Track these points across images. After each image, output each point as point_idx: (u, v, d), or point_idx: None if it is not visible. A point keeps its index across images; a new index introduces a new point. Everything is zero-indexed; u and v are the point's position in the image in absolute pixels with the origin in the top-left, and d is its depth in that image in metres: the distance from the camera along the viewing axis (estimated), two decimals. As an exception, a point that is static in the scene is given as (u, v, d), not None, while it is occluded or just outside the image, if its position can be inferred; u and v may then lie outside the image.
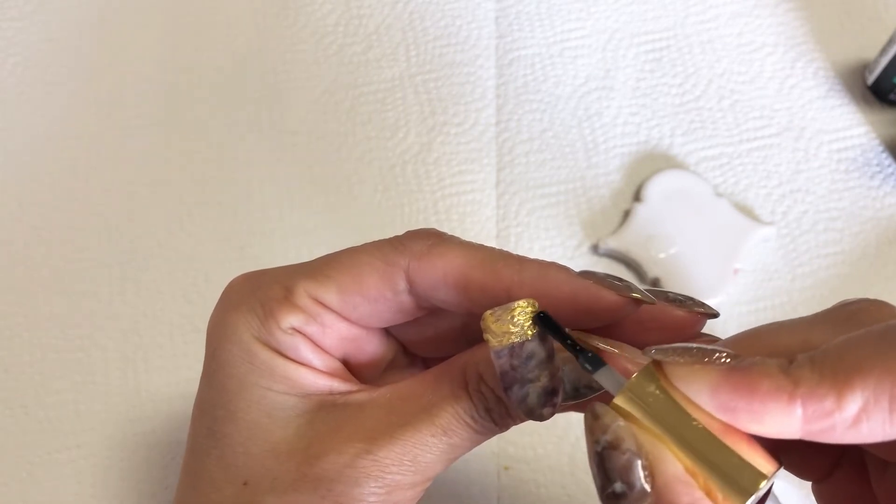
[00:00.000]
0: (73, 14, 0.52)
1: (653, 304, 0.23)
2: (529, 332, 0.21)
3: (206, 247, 0.45)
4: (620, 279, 0.23)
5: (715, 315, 0.23)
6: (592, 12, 0.50)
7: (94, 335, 0.43)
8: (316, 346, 0.24)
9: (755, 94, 0.47)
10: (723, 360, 0.19)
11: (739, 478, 0.18)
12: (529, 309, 0.21)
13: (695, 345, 0.20)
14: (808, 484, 0.24)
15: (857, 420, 0.17)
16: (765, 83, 0.48)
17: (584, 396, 0.22)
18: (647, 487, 0.19)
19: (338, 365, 0.25)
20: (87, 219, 0.46)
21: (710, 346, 0.19)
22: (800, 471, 0.24)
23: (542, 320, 0.21)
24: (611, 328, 0.23)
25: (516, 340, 0.21)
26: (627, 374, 0.20)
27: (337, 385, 0.24)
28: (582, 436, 0.39)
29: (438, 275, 0.23)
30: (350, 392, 0.24)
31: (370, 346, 0.26)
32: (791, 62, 0.48)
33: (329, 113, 0.48)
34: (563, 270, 0.23)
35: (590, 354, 0.21)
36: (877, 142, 0.46)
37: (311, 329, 0.24)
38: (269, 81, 0.49)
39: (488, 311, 0.21)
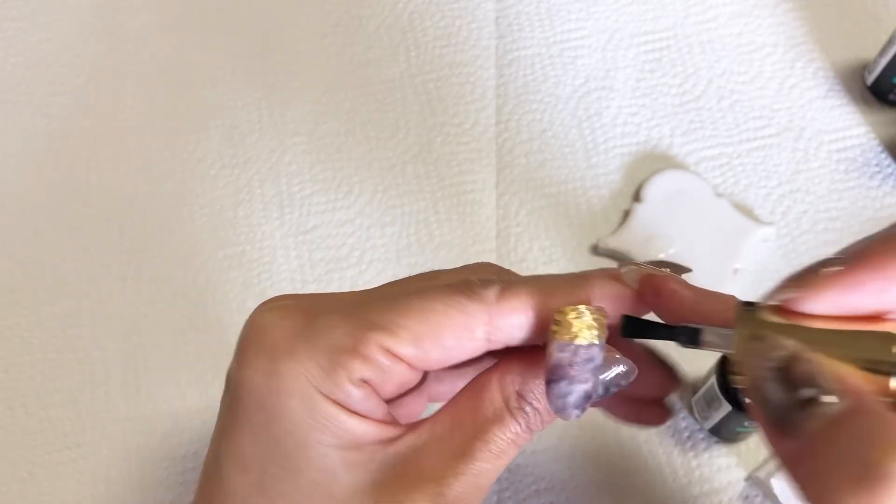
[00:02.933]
0: (73, 14, 0.52)
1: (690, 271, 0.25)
2: (597, 339, 0.22)
3: (206, 247, 0.45)
4: (663, 263, 0.26)
5: (688, 269, 0.26)
6: (592, 12, 0.50)
7: (94, 335, 0.43)
8: (378, 396, 0.24)
9: (755, 94, 0.47)
10: (837, 265, 0.21)
11: (881, 347, 0.20)
12: (603, 318, 0.23)
13: (792, 273, 0.21)
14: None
15: None
16: (765, 83, 0.48)
17: (610, 394, 0.24)
18: (835, 389, 0.19)
19: (386, 410, 0.25)
20: (87, 219, 0.46)
21: (805, 267, 0.21)
22: None
23: (630, 323, 0.23)
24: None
25: (584, 343, 0.22)
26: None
27: (389, 432, 0.24)
28: (580, 435, 0.39)
29: (520, 314, 0.24)
30: (398, 437, 0.24)
31: (412, 384, 0.26)
32: (791, 62, 0.48)
33: (329, 113, 0.48)
34: (613, 273, 0.25)
35: (685, 328, 0.23)
36: (876, 142, 0.46)
37: (380, 380, 0.24)
38: (269, 82, 0.49)
39: (569, 307, 0.22)
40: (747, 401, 0.21)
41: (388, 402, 0.25)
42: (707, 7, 0.50)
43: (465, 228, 0.45)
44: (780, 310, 0.21)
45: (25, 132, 0.48)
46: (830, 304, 0.21)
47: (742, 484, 0.38)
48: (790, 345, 0.20)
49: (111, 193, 0.46)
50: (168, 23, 0.51)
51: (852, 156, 0.45)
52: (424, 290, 0.24)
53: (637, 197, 0.44)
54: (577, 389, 0.22)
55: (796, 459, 0.20)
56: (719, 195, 0.44)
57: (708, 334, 0.23)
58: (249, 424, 0.24)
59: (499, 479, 0.39)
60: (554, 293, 0.24)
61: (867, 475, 0.18)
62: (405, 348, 0.23)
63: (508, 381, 0.24)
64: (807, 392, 0.19)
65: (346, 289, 0.43)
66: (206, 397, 0.41)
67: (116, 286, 0.44)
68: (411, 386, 0.26)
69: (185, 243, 0.45)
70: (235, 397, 0.24)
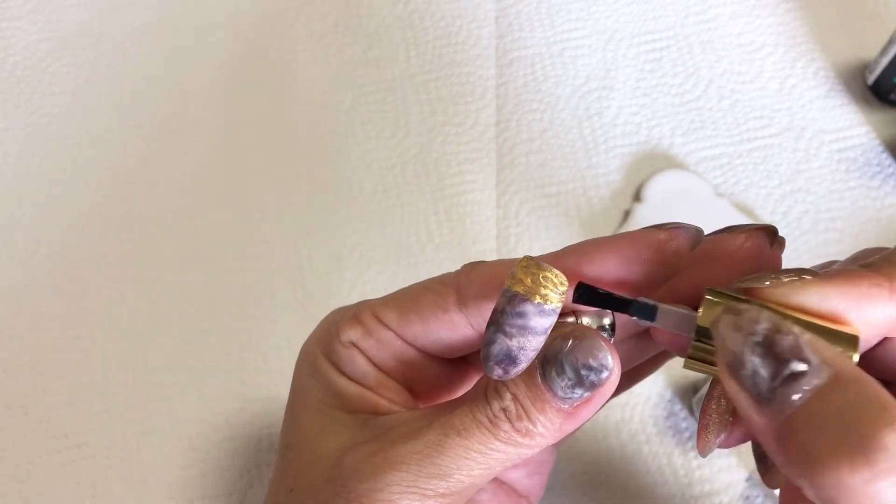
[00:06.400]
0: (73, 14, 0.52)
1: (690, 232, 0.24)
2: (537, 298, 0.21)
3: (205, 247, 0.45)
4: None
5: (774, 231, 0.25)
6: (592, 12, 0.50)
7: (94, 335, 0.43)
8: (370, 361, 0.26)
9: (755, 94, 0.47)
10: (808, 276, 0.21)
11: (840, 341, 0.20)
12: (551, 284, 0.21)
13: (771, 272, 0.22)
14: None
15: None
16: (765, 83, 0.48)
17: (586, 379, 0.22)
18: (819, 360, 0.19)
19: (392, 385, 0.26)
20: (87, 219, 0.46)
21: (784, 269, 0.22)
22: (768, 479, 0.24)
23: (582, 290, 0.22)
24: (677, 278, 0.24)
25: (520, 293, 0.21)
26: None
27: (384, 404, 0.25)
28: (580, 435, 0.39)
29: (484, 280, 0.24)
30: (394, 412, 0.25)
31: (430, 370, 0.26)
32: (791, 62, 0.48)
33: (329, 113, 0.48)
34: (600, 238, 0.24)
35: (640, 302, 0.22)
36: (877, 142, 0.45)
37: (367, 344, 0.25)
38: (269, 81, 0.49)
39: (529, 256, 0.22)
40: (721, 377, 0.20)
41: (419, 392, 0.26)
42: (707, 7, 0.50)
43: (465, 228, 0.45)
44: (748, 293, 0.21)
45: (25, 132, 0.48)
46: (795, 298, 0.21)
47: (743, 484, 0.38)
48: (772, 317, 0.20)
49: (110, 193, 0.46)
50: (167, 23, 0.51)
51: (853, 156, 0.45)
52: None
53: (637, 197, 0.44)
54: (500, 341, 0.21)
55: (782, 435, 0.19)
56: (720, 195, 0.44)
57: (665, 313, 0.22)
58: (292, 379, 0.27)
59: (499, 480, 0.39)
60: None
61: (863, 447, 0.18)
62: (390, 314, 0.25)
63: None
64: (795, 366, 0.19)
65: (345, 289, 0.43)
66: (205, 397, 0.41)
67: (116, 286, 0.44)
68: (438, 377, 0.26)
69: (184, 243, 0.45)
70: None
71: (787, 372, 0.19)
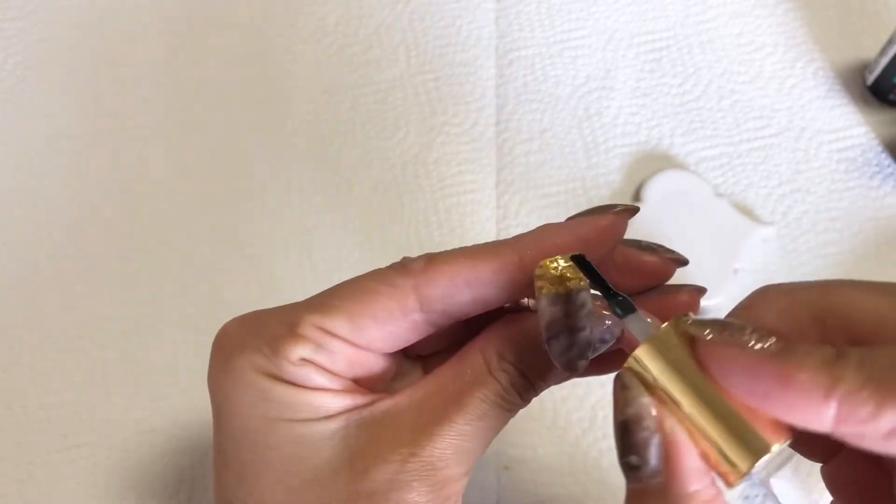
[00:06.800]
0: (73, 14, 0.52)
1: (631, 210, 0.24)
2: (580, 283, 0.22)
3: (206, 247, 0.45)
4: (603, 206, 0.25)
5: (684, 262, 0.24)
6: (592, 12, 0.50)
7: (94, 335, 0.43)
8: (329, 372, 0.24)
9: (755, 94, 0.47)
10: (766, 346, 0.19)
11: (747, 446, 0.19)
12: (573, 267, 0.22)
13: (734, 321, 0.20)
14: (808, 484, 0.24)
15: (890, 435, 0.17)
16: (765, 83, 0.48)
17: (597, 351, 0.23)
18: (660, 468, 0.20)
19: (350, 383, 0.25)
20: (87, 219, 0.46)
21: (749, 325, 0.19)
22: (806, 451, 0.24)
23: (581, 262, 0.22)
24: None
25: (574, 289, 0.22)
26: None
27: (358, 399, 0.24)
28: (583, 436, 0.39)
29: (447, 279, 0.24)
30: (373, 402, 0.24)
31: (377, 364, 0.26)
32: (791, 62, 0.48)
33: (329, 113, 0.48)
34: (553, 224, 0.24)
35: (621, 298, 0.22)
36: (876, 142, 0.46)
37: (320, 358, 0.24)
38: (269, 82, 0.49)
39: (546, 260, 0.22)
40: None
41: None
42: (707, 7, 0.50)
43: (465, 228, 0.45)
44: (691, 343, 0.20)
45: (25, 132, 0.48)
46: (729, 377, 0.19)
47: (743, 484, 0.38)
48: (642, 405, 0.20)
49: (111, 193, 0.46)
50: (168, 23, 0.51)
51: (852, 156, 0.45)
52: (364, 273, 0.25)
53: (637, 197, 0.44)
54: (579, 339, 0.22)
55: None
56: (719, 195, 0.44)
57: (634, 320, 0.22)
58: (221, 421, 0.25)
59: (499, 481, 0.39)
60: (483, 255, 0.24)
61: None
62: (339, 324, 0.24)
63: (489, 344, 0.24)
64: (630, 459, 0.20)
65: (346, 289, 0.43)
66: (205, 397, 0.41)
67: (116, 286, 0.44)
68: (383, 369, 0.26)
69: (184, 243, 0.45)
70: (211, 401, 0.26)
71: (625, 459, 0.20)
